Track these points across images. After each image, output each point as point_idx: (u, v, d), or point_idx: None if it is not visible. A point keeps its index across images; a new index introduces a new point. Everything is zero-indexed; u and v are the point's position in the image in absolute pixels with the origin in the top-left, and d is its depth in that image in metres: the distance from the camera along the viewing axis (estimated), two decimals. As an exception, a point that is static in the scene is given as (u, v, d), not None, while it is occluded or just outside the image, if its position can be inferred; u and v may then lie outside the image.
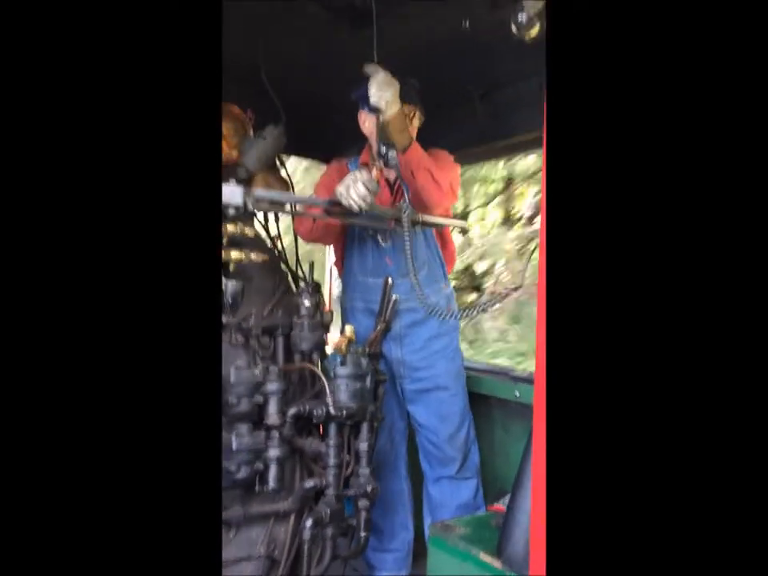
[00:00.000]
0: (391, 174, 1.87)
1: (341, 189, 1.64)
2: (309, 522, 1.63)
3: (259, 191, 1.40)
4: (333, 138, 2.39)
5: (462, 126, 2.25)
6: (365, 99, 1.79)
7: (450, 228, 2.13)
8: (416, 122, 1.90)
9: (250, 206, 1.37)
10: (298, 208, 1.75)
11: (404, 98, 1.70)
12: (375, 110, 1.66)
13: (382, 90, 1.62)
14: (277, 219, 2.06)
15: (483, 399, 2.19)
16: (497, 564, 1.35)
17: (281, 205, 1.71)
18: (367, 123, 1.89)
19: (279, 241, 2.04)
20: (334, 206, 1.68)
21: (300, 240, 2.06)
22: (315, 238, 2.00)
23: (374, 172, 1.69)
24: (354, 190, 1.61)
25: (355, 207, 1.63)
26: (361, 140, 1.99)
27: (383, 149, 1.66)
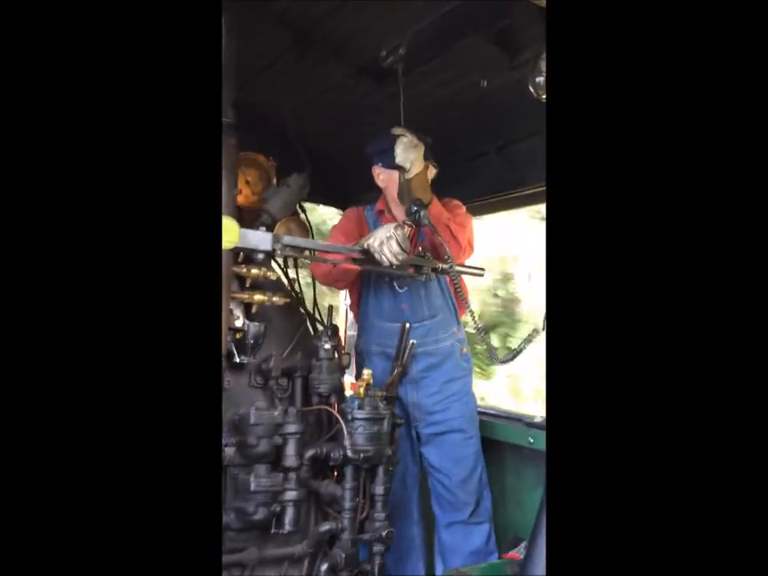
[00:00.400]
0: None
1: (374, 243, 1.69)
2: (324, 567, 1.63)
3: (287, 238, 1.46)
4: (352, 187, 2.48)
5: (479, 178, 2.34)
6: (380, 155, 1.91)
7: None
8: (430, 175, 1.98)
9: (279, 252, 1.43)
10: (317, 253, 1.81)
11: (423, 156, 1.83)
12: (399, 169, 1.80)
13: (408, 153, 1.80)
14: (296, 264, 2.12)
15: (496, 445, 2.20)
16: (514, 613, 1.35)
17: (302, 250, 1.76)
18: (381, 177, 1.97)
19: (298, 284, 2.09)
20: (361, 255, 1.74)
21: (318, 284, 2.12)
22: (331, 281, 2.06)
23: (406, 229, 1.76)
24: (388, 246, 1.67)
25: (386, 263, 1.69)
26: (376, 190, 2.07)
27: (414, 208, 1.74)
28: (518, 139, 2.16)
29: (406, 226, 1.74)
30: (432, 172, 1.96)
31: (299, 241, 1.56)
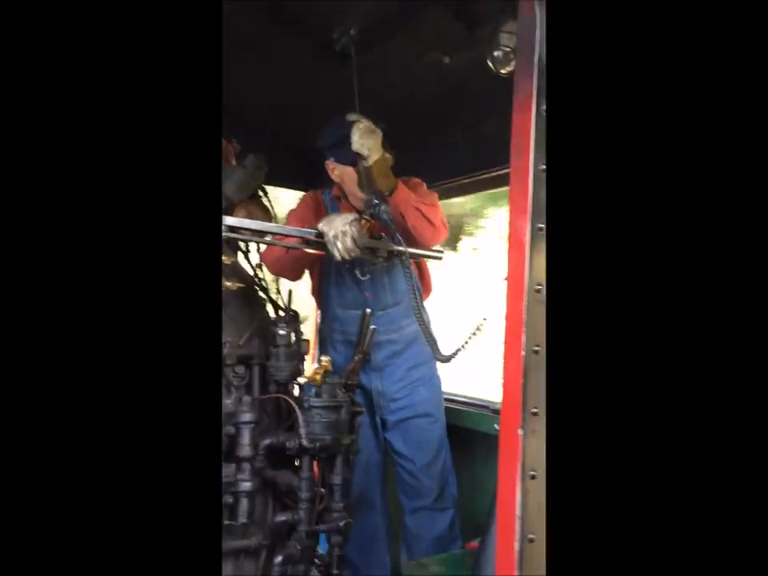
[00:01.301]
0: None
1: (330, 234, 1.60)
2: (279, 559, 1.59)
3: (229, 219, 1.39)
4: (313, 170, 2.40)
5: (445, 160, 2.27)
6: (332, 149, 1.82)
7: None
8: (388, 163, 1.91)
9: (222, 234, 1.36)
10: (271, 237, 1.73)
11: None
12: (357, 156, 1.70)
13: (365, 138, 1.68)
14: (258, 248, 2.05)
15: (463, 432, 2.16)
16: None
17: (261, 234, 1.69)
18: (336, 172, 1.89)
19: (261, 270, 2.02)
20: (315, 239, 1.67)
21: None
22: (281, 269, 1.96)
23: (363, 224, 1.67)
24: (342, 242, 1.59)
25: (337, 257, 1.62)
26: None
27: (374, 201, 1.65)
28: (484, 119, 2.09)
29: (364, 221, 1.66)
30: (389, 159, 1.89)
31: (245, 222, 1.49)
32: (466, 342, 1.45)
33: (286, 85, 2.08)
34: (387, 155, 1.82)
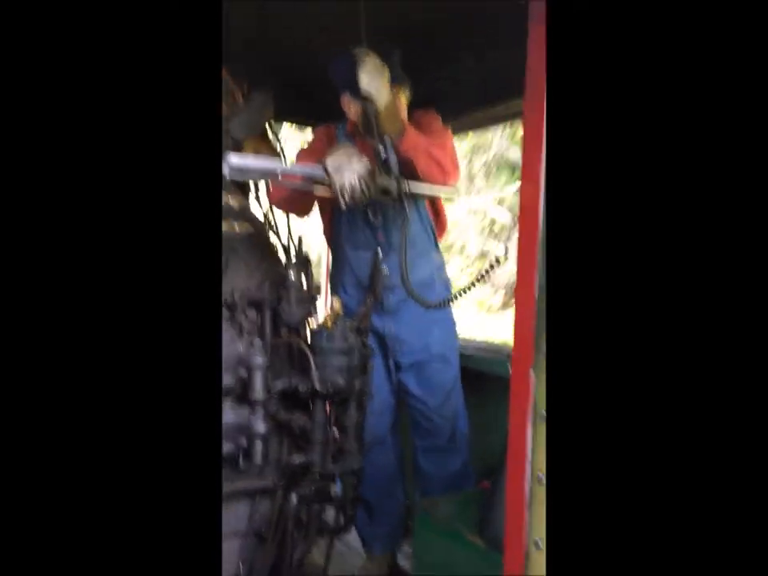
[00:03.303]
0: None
1: (337, 182, 1.52)
2: (294, 499, 1.61)
3: (233, 157, 1.33)
4: (322, 104, 2.31)
5: (458, 93, 2.17)
6: (345, 83, 1.69)
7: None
8: (404, 99, 1.81)
9: (227, 174, 1.31)
10: (279, 176, 1.66)
11: (391, 78, 1.59)
12: (364, 99, 1.55)
13: (373, 79, 1.52)
14: (268, 189, 2.00)
15: (476, 375, 2.15)
16: (480, 543, 1.32)
17: (273, 174, 1.62)
18: (353, 109, 1.79)
19: (272, 213, 1.98)
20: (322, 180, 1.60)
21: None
22: (289, 206, 1.90)
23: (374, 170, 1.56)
24: (350, 189, 1.50)
25: (343, 205, 1.54)
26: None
27: (382, 150, 1.54)
28: (498, 46, 1.98)
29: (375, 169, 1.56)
30: (406, 95, 1.79)
31: (250, 161, 1.43)
32: (468, 288, 1.39)
33: (292, 18, 1.98)
34: (401, 94, 1.71)
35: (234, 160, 1.32)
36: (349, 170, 1.49)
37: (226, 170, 1.31)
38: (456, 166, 1.81)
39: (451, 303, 1.52)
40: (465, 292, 1.46)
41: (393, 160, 1.51)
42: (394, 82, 1.66)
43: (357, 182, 1.48)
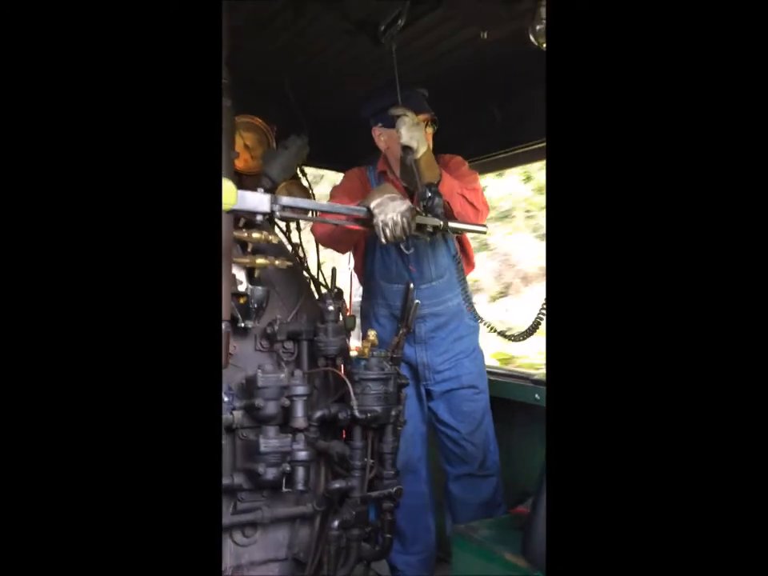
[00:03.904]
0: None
1: (380, 219, 1.62)
2: (335, 524, 1.66)
3: (285, 199, 1.44)
4: (352, 149, 2.43)
5: (482, 134, 2.29)
6: (378, 115, 1.89)
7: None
8: (430, 130, 1.94)
9: (277, 213, 1.41)
10: (320, 215, 1.77)
11: (417, 107, 1.79)
12: (405, 150, 1.74)
13: (412, 132, 1.71)
14: (299, 228, 2.11)
15: (504, 403, 2.21)
16: (522, 564, 1.37)
17: (304, 212, 1.73)
18: (383, 138, 1.95)
19: (301, 248, 2.08)
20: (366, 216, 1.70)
21: (321, 248, 2.10)
22: (333, 243, 2.00)
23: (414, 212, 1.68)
24: (392, 231, 1.61)
25: (384, 242, 1.65)
26: (376, 151, 2.04)
27: (428, 194, 1.67)
28: (519, 91, 2.10)
29: (416, 209, 1.68)
30: (432, 127, 1.92)
31: (299, 201, 1.54)
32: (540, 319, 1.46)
33: (320, 65, 2.12)
34: (425, 120, 1.85)
35: (284, 200, 1.42)
36: (392, 210, 1.60)
37: (276, 210, 1.40)
38: (486, 206, 1.95)
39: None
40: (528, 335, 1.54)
41: (437, 202, 1.63)
42: (422, 110, 1.85)
43: (399, 220, 1.59)
